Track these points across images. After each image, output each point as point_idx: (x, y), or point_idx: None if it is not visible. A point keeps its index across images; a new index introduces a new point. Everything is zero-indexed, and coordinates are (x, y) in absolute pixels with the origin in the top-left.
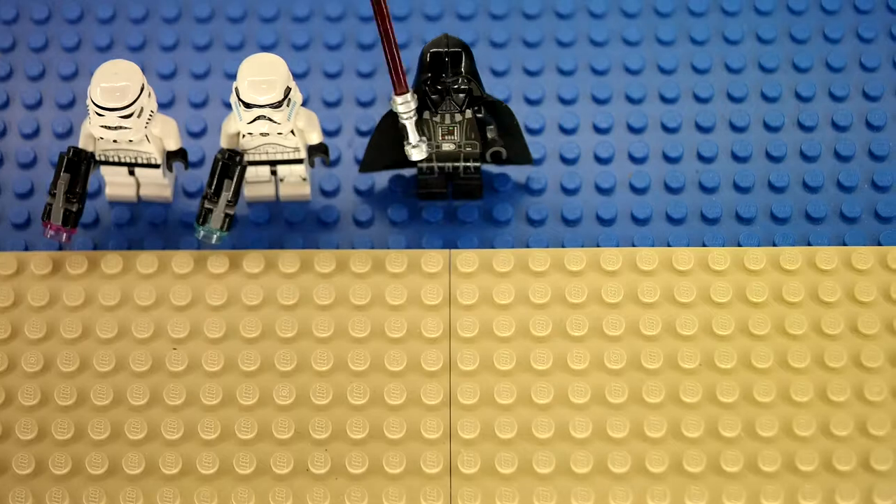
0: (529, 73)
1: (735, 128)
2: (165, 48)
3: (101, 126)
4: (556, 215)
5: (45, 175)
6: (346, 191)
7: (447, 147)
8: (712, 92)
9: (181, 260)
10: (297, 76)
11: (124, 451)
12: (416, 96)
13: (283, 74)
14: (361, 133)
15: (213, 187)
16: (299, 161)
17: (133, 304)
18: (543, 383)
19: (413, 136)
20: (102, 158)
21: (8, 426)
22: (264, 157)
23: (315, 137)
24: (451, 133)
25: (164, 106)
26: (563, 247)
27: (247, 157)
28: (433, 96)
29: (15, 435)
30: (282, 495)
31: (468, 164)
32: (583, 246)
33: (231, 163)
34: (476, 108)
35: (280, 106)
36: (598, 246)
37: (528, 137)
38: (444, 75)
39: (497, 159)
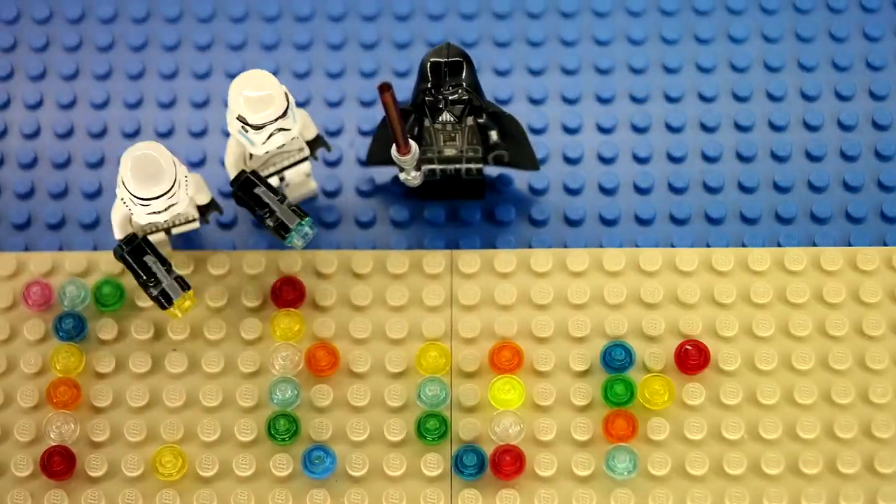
0: (533, 73)
1: (740, 127)
2: (167, 48)
3: (150, 213)
4: (559, 216)
5: (46, 176)
6: (348, 191)
7: (449, 152)
8: (717, 91)
9: (181, 261)
10: (298, 76)
11: (124, 453)
12: (416, 153)
13: (276, 84)
14: (363, 133)
15: (264, 208)
16: (304, 159)
17: (132, 305)
18: (545, 385)
19: (410, 173)
20: (142, 234)
21: (7, 428)
22: (273, 169)
23: (311, 132)
24: (452, 139)
25: (165, 106)
26: (565, 247)
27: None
28: (432, 106)
29: (14, 437)
30: (282, 497)
31: (470, 166)
32: (586, 246)
33: (247, 180)
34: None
35: (287, 113)
36: (601, 246)
37: (531, 137)
38: (442, 87)
39: (499, 162)
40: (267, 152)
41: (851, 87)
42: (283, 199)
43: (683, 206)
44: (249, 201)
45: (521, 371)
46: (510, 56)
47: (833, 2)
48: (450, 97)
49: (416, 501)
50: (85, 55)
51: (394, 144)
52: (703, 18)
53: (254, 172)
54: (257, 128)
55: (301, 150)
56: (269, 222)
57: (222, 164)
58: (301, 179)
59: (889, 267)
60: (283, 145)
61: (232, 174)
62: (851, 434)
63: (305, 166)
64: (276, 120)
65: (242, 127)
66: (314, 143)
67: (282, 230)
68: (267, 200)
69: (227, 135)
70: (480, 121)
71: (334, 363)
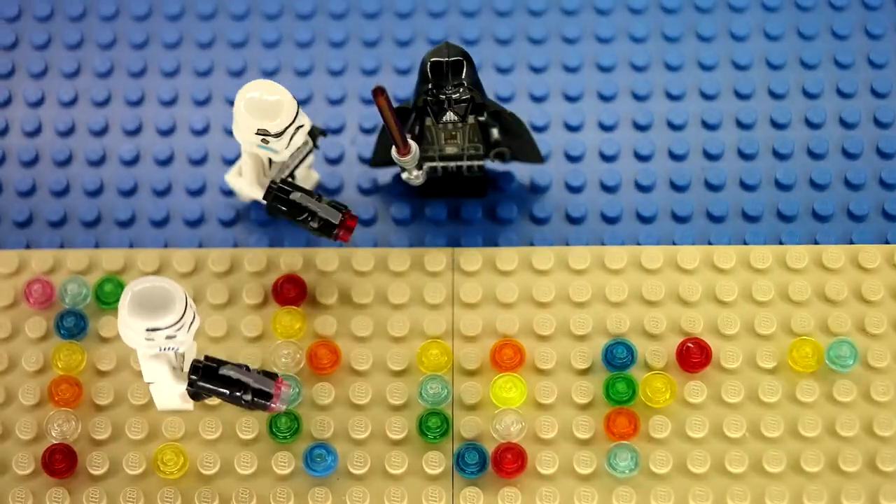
0: (535, 70)
1: (742, 125)
2: (168, 45)
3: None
4: (561, 213)
5: (47, 173)
6: (350, 189)
7: (451, 150)
8: (719, 89)
9: (183, 258)
10: (299, 74)
11: (125, 451)
12: (417, 153)
13: (280, 87)
14: (365, 130)
15: (303, 212)
16: (309, 152)
17: None
18: (547, 383)
19: (412, 172)
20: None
21: (8, 426)
22: (287, 171)
23: (309, 123)
24: (454, 137)
25: (166, 103)
26: (567, 245)
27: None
28: (434, 106)
29: (15, 435)
30: (283, 496)
31: (472, 163)
32: (587, 244)
33: (280, 189)
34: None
35: (298, 111)
36: (602, 244)
37: (533, 134)
38: (444, 87)
39: (501, 158)
40: (291, 155)
41: (853, 84)
42: (319, 197)
43: (685, 204)
44: (288, 209)
45: (522, 369)
46: (512, 54)
47: None
48: (452, 96)
49: (418, 499)
50: (86, 52)
51: (393, 146)
52: (705, 16)
53: (283, 180)
54: (279, 134)
55: (306, 143)
56: (313, 224)
57: (224, 161)
58: (305, 173)
59: (891, 264)
60: (303, 143)
61: (257, 191)
62: (853, 432)
63: (309, 158)
64: (294, 121)
65: (262, 139)
66: (311, 133)
67: (327, 229)
68: (306, 204)
69: (229, 132)
70: (482, 119)
71: (335, 361)
